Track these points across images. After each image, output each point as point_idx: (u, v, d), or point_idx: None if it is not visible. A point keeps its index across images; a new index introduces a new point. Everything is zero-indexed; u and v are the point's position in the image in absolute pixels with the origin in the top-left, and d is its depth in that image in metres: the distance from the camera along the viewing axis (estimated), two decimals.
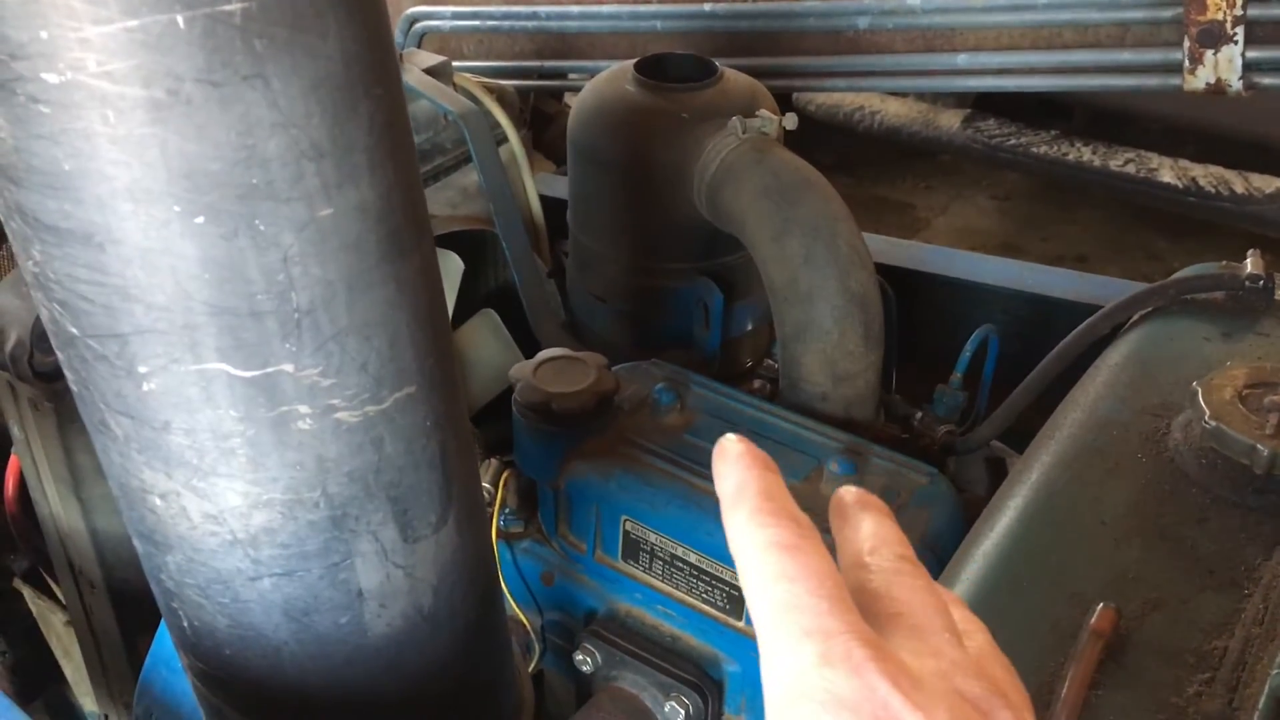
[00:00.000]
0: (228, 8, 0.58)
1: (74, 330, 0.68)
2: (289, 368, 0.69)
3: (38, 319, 1.43)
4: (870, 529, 0.51)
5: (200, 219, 0.63)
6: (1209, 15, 1.73)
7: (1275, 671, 0.82)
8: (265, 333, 0.67)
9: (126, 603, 1.63)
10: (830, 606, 0.44)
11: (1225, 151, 3.10)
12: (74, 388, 0.74)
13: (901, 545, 0.50)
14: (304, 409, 0.71)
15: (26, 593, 1.89)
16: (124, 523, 0.83)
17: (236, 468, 0.72)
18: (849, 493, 0.53)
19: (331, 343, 0.70)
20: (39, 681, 1.95)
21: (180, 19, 0.58)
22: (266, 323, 0.67)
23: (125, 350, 0.67)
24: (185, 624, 0.83)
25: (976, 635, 0.51)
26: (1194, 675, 0.85)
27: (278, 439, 0.71)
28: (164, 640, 1.35)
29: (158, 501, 0.75)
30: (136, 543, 0.82)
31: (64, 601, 1.75)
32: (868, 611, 0.47)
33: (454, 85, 1.92)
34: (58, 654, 1.91)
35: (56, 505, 1.57)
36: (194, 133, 0.60)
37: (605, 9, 2.21)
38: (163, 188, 0.62)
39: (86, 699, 1.85)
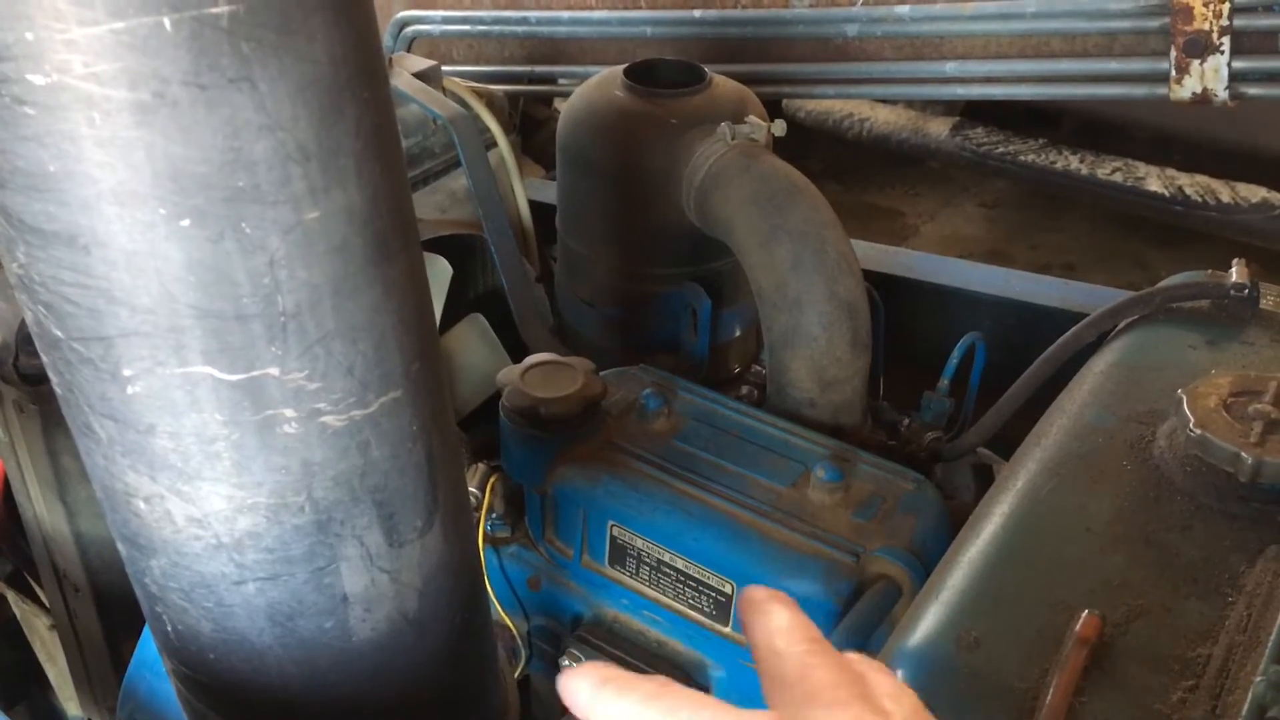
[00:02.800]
0: (215, 10, 0.58)
1: (58, 333, 0.68)
2: (275, 371, 0.69)
3: (23, 321, 1.42)
4: (782, 619, 0.54)
5: (186, 222, 0.63)
6: (1195, 25, 1.74)
7: (1259, 679, 0.82)
8: (251, 336, 0.67)
9: (111, 607, 1.62)
10: (720, 712, 0.49)
11: (1212, 161, 3.12)
12: (58, 390, 0.73)
13: (811, 630, 0.54)
14: (289, 413, 0.71)
15: (10, 596, 1.88)
16: (108, 526, 0.82)
17: (221, 471, 0.72)
18: (758, 591, 0.56)
19: (317, 346, 0.70)
20: (23, 686, 1.94)
21: (167, 21, 0.57)
22: (252, 326, 0.67)
23: (110, 353, 0.67)
24: (169, 628, 0.83)
25: (905, 700, 0.53)
26: (1178, 682, 0.86)
27: (263, 443, 0.71)
28: (148, 644, 1.35)
29: (142, 505, 0.74)
30: (120, 546, 0.82)
31: (48, 605, 1.75)
32: (783, 700, 0.50)
33: (443, 90, 1.92)
34: (41, 658, 1.90)
35: (41, 508, 1.57)
36: (180, 135, 0.60)
37: (595, 15, 2.22)
38: (148, 190, 0.61)
39: (70, 703, 1.84)
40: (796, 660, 0.52)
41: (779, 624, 0.54)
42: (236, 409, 0.69)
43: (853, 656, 0.55)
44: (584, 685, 0.53)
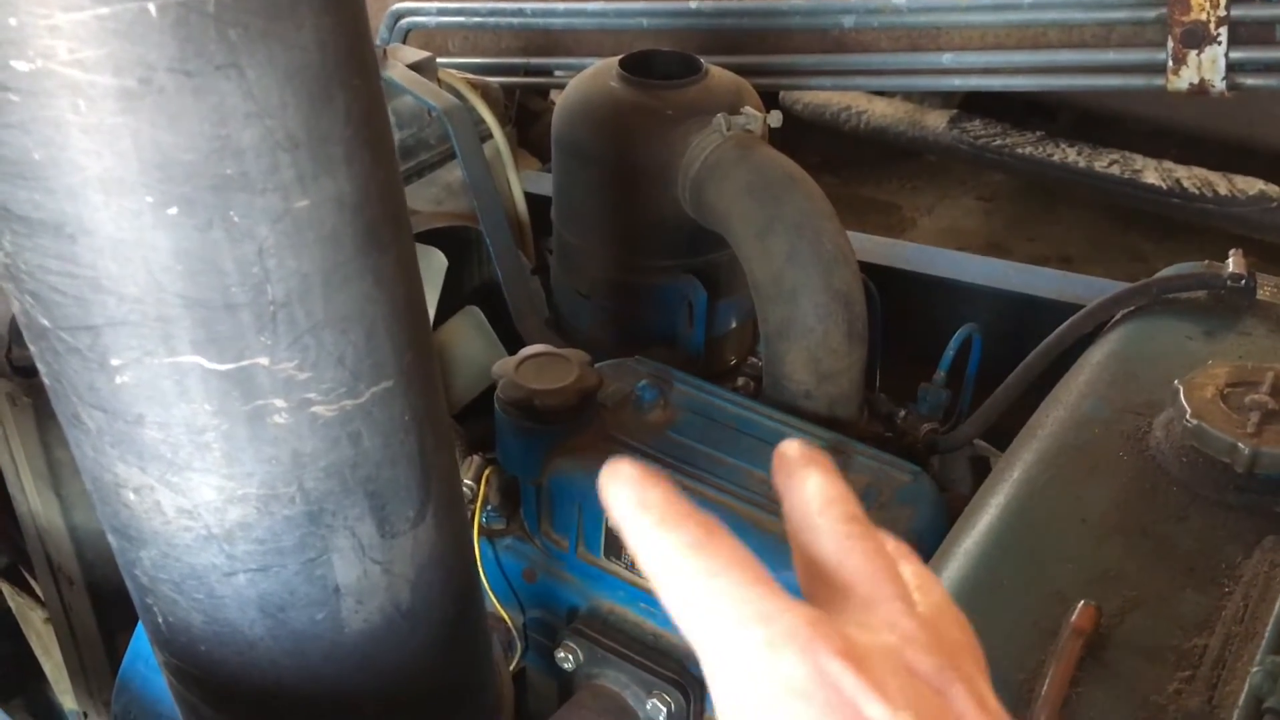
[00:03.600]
0: None
1: (46, 322, 0.67)
2: (264, 361, 0.68)
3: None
4: (817, 487, 0.48)
5: (173, 210, 0.62)
6: (1193, 16, 1.74)
7: (1255, 669, 0.82)
8: (240, 325, 0.67)
9: (105, 599, 1.62)
10: (764, 591, 0.43)
11: (1209, 153, 3.12)
12: (47, 381, 0.73)
13: (848, 503, 0.48)
14: (280, 403, 0.70)
15: (5, 590, 1.87)
16: (98, 518, 0.82)
17: (211, 462, 0.71)
18: (792, 447, 0.50)
19: (308, 336, 0.69)
20: (18, 679, 1.94)
21: (152, 7, 0.57)
22: (241, 315, 0.67)
23: (98, 343, 0.66)
24: (160, 620, 0.82)
25: (932, 591, 0.49)
26: (1174, 673, 0.85)
27: (253, 433, 0.71)
28: (143, 637, 1.34)
29: (131, 496, 0.74)
30: (110, 538, 0.81)
31: (43, 598, 1.74)
32: (817, 581, 0.46)
33: (439, 81, 1.91)
34: (37, 651, 1.90)
35: (35, 501, 1.56)
36: (167, 122, 0.60)
37: (591, 6, 2.21)
38: (135, 178, 0.61)
39: (66, 696, 1.83)
40: (836, 542, 0.47)
41: (815, 493, 0.48)
42: (226, 399, 0.69)
43: (887, 540, 0.49)
44: (624, 498, 0.46)
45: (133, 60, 0.58)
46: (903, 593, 0.46)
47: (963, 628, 0.48)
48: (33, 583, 1.79)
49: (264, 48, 0.61)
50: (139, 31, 0.57)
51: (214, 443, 0.71)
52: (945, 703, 0.43)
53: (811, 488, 0.48)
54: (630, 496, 0.46)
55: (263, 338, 0.68)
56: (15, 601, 1.87)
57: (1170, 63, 1.79)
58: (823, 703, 0.40)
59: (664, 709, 1.22)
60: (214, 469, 0.72)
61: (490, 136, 1.95)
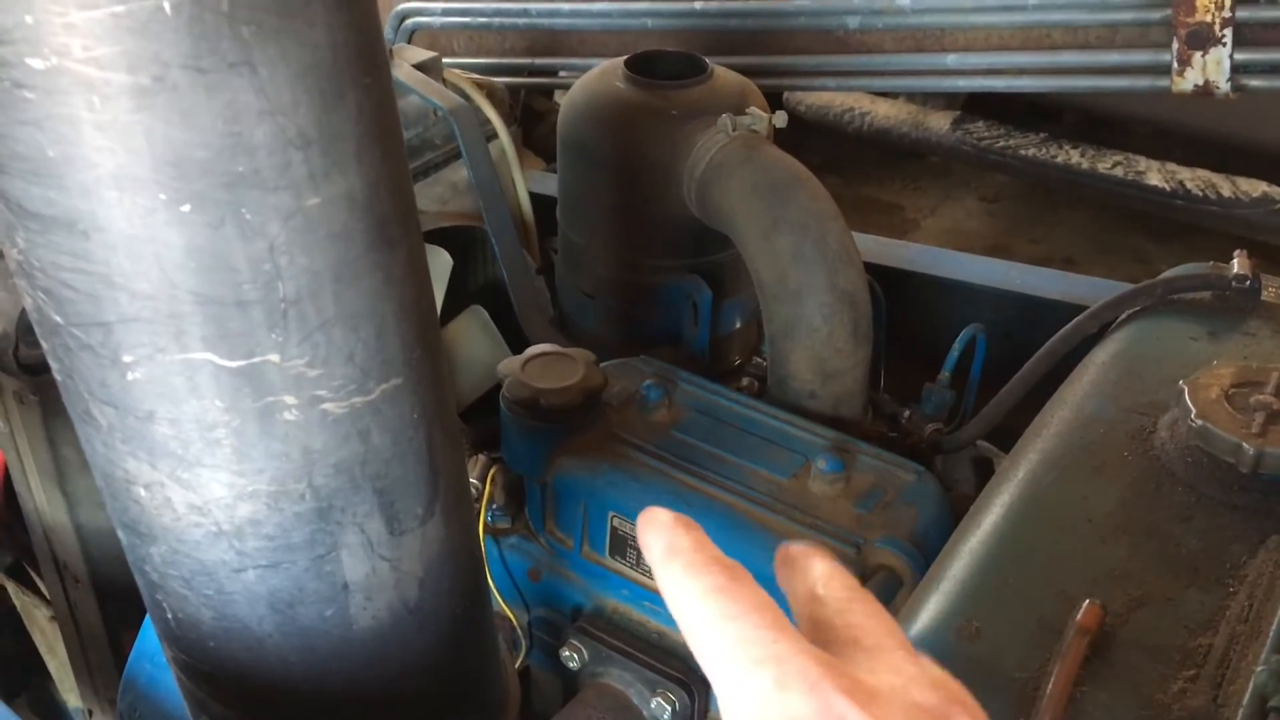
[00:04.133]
0: None
1: (58, 319, 0.68)
2: (275, 358, 0.69)
3: (23, 311, 1.42)
4: (821, 569, 0.52)
5: (186, 207, 0.63)
6: (1198, 17, 1.74)
7: (1259, 669, 0.82)
8: (251, 322, 0.67)
9: (111, 597, 1.62)
10: (777, 635, 0.46)
11: (1212, 155, 3.12)
12: (59, 377, 0.73)
13: (850, 579, 0.52)
14: (290, 400, 0.71)
15: (10, 587, 1.88)
16: (108, 515, 0.82)
17: (222, 458, 0.72)
18: (794, 546, 0.55)
19: (318, 333, 0.70)
20: (23, 677, 1.94)
21: (167, 5, 0.57)
22: (252, 312, 0.67)
23: (110, 339, 0.67)
24: (169, 616, 0.83)
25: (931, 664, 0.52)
26: (1179, 672, 0.86)
27: (263, 430, 0.71)
28: (149, 635, 1.35)
29: (142, 492, 0.74)
30: (120, 534, 0.81)
31: (48, 596, 1.74)
32: (823, 641, 0.48)
33: (444, 81, 1.91)
34: (41, 649, 1.90)
35: (41, 499, 1.57)
36: (180, 120, 0.60)
37: (596, 6, 2.21)
38: (148, 175, 0.61)
39: (70, 694, 1.84)
40: (838, 604, 0.50)
41: (819, 573, 0.52)
42: (237, 396, 0.69)
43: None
44: (656, 545, 0.50)
45: (147, 58, 0.58)
46: (904, 643, 0.49)
47: (963, 688, 0.50)
48: (38, 581, 1.79)
49: (277, 45, 0.61)
50: (153, 29, 0.57)
51: (224, 439, 0.71)
52: None
53: (816, 570, 0.52)
54: (661, 542, 0.50)
55: (274, 335, 0.68)
56: (20, 599, 1.88)
57: (1175, 64, 1.79)
58: None
59: (669, 707, 1.22)
60: (224, 465, 0.72)
61: (495, 136, 1.95)
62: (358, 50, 0.66)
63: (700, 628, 0.47)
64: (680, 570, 0.49)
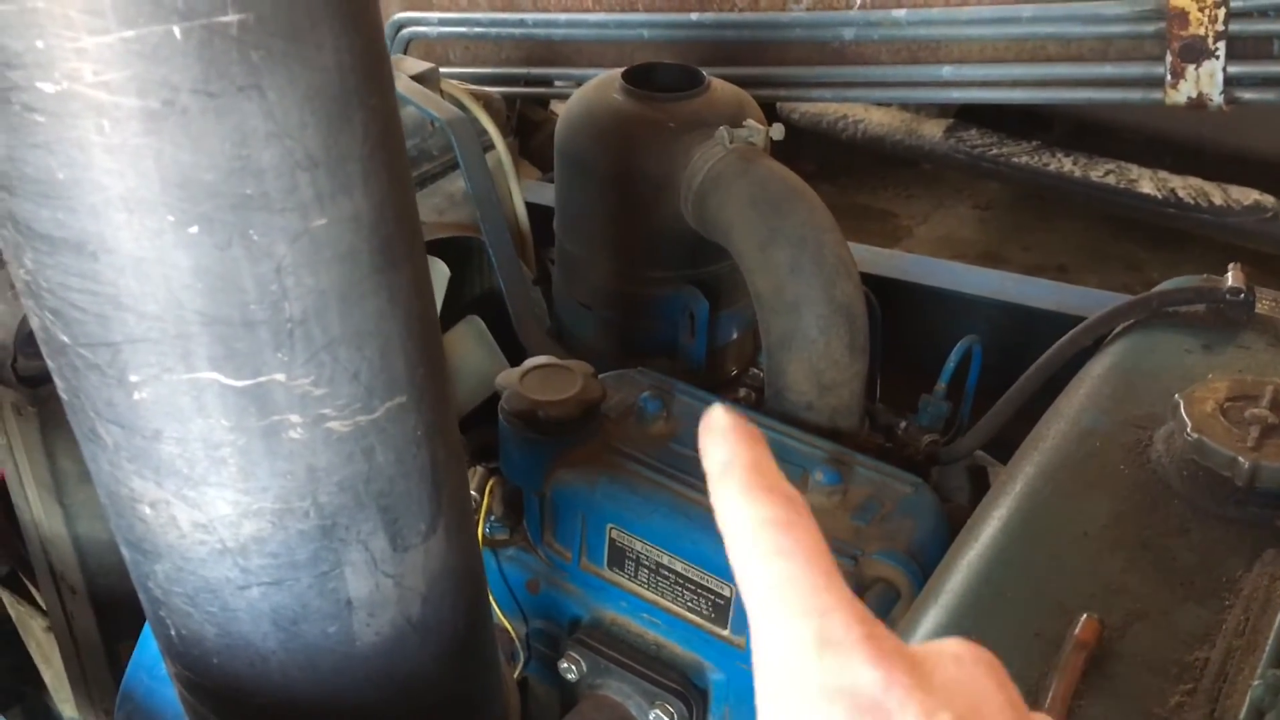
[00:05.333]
0: (224, 19, 0.58)
1: (65, 339, 0.68)
2: (281, 377, 0.69)
3: (22, 322, 1.42)
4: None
5: (194, 229, 0.63)
6: (1191, 30, 1.75)
7: (1256, 683, 0.82)
8: (258, 342, 0.68)
9: (108, 609, 1.62)
10: (826, 583, 0.43)
11: (1204, 163, 3.13)
12: (64, 396, 0.73)
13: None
14: (295, 418, 0.71)
15: (6, 598, 1.87)
16: (109, 530, 0.82)
17: (227, 477, 0.72)
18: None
19: (323, 352, 0.70)
20: (18, 688, 1.94)
21: (177, 30, 0.58)
22: (259, 332, 0.67)
23: (117, 359, 0.67)
24: (173, 632, 0.83)
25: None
26: (1176, 686, 0.86)
27: (269, 448, 0.71)
28: (146, 647, 1.35)
29: (147, 510, 0.75)
30: (124, 551, 0.82)
31: (44, 607, 1.74)
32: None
33: (441, 92, 1.92)
34: (37, 660, 1.89)
35: (38, 510, 1.56)
36: (189, 143, 0.61)
37: (592, 17, 2.22)
38: (157, 197, 0.62)
39: (66, 706, 1.83)
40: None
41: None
42: (243, 415, 0.70)
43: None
44: (714, 454, 0.46)
45: (157, 82, 0.59)
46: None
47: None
48: (34, 591, 1.79)
49: (285, 69, 0.62)
50: (163, 54, 0.58)
51: (230, 458, 0.71)
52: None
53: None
54: (720, 454, 0.46)
55: (280, 354, 0.68)
56: (16, 610, 1.87)
57: (1169, 76, 1.80)
58: (862, 705, 0.40)
59: (666, 719, 1.23)
60: (230, 484, 0.72)
61: (492, 147, 1.95)
62: (364, 72, 0.66)
63: (747, 560, 0.44)
64: (736, 492, 0.45)
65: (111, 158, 0.60)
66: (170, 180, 0.61)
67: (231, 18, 0.59)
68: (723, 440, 0.47)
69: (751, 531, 0.44)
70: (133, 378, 0.68)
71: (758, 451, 0.46)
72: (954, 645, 0.44)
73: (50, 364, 0.72)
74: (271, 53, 0.61)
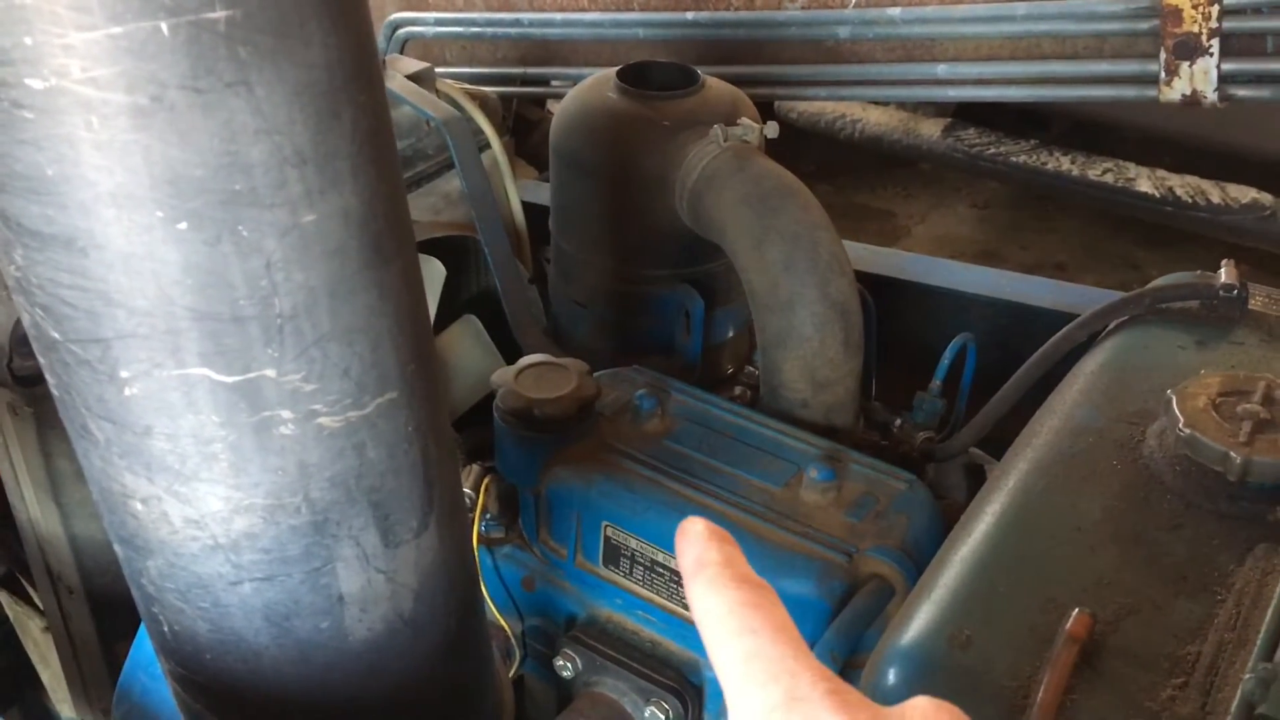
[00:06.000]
0: (212, 15, 0.59)
1: (56, 335, 0.68)
2: (271, 373, 0.69)
3: (17, 323, 1.42)
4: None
5: (183, 225, 0.63)
6: (1185, 28, 1.75)
7: (1247, 676, 0.83)
8: (248, 338, 0.68)
9: (105, 608, 1.62)
10: (793, 652, 0.47)
11: (1202, 162, 3.13)
12: (55, 392, 0.73)
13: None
14: (286, 414, 0.71)
15: (3, 598, 1.88)
16: (104, 528, 0.82)
17: (218, 473, 0.72)
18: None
19: (314, 348, 0.70)
20: (16, 688, 1.94)
21: (165, 26, 0.58)
22: (249, 328, 0.67)
23: (107, 355, 0.67)
24: (165, 629, 0.83)
25: None
26: (1168, 680, 0.86)
27: (260, 444, 0.72)
28: (142, 646, 1.35)
29: (139, 506, 0.75)
30: (117, 548, 0.82)
31: (42, 607, 1.75)
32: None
33: (436, 91, 1.92)
34: (35, 660, 1.90)
35: (35, 510, 1.57)
36: (177, 139, 0.61)
37: (588, 16, 2.22)
38: (146, 193, 0.62)
39: (64, 705, 1.84)
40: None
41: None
42: (233, 410, 0.70)
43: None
44: (688, 555, 0.51)
45: (145, 78, 0.59)
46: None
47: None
48: (31, 592, 1.79)
49: (273, 65, 0.62)
50: (151, 50, 0.58)
51: (221, 453, 0.71)
52: None
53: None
54: (692, 554, 0.51)
55: (270, 350, 0.69)
56: (13, 610, 1.88)
57: (1163, 74, 1.80)
58: None
59: (662, 716, 1.23)
60: (221, 479, 0.73)
61: (488, 146, 1.96)
62: (353, 68, 0.66)
63: (719, 641, 0.48)
64: (706, 583, 0.50)
65: (100, 154, 0.60)
66: (159, 176, 0.61)
67: (219, 14, 0.59)
68: (696, 539, 0.52)
69: (724, 614, 0.49)
70: (123, 373, 0.68)
71: (728, 550, 0.52)
72: (922, 702, 0.47)
73: (41, 360, 0.72)
74: (259, 49, 0.61)
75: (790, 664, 0.46)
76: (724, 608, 0.49)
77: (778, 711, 0.45)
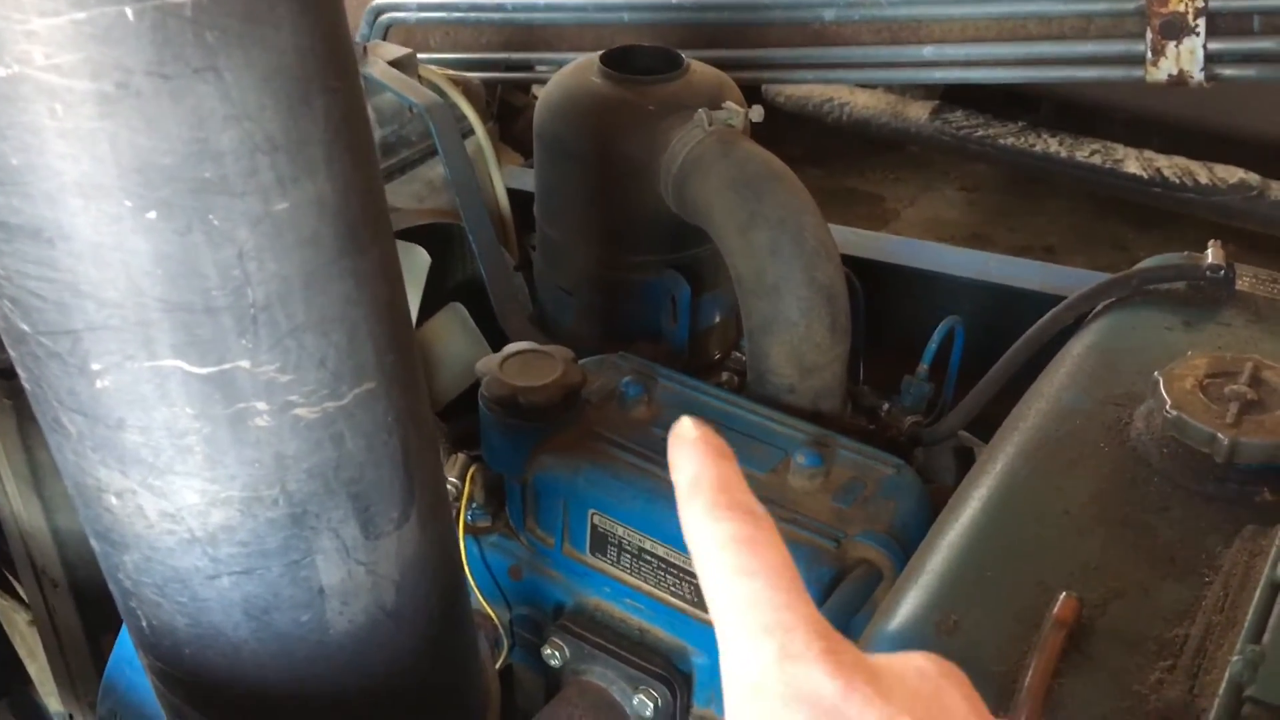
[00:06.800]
0: (178, 0, 0.57)
1: (25, 327, 0.67)
2: (246, 364, 0.68)
3: None
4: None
5: (152, 214, 0.62)
6: (1171, 7, 1.75)
7: (1235, 658, 0.82)
8: (221, 329, 0.67)
9: (90, 601, 1.61)
10: (789, 600, 0.44)
11: (1190, 142, 3.13)
12: (27, 385, 0.72)
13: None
14: (261, 405, 0.70)
15: None
16: (80, 522, 0.81)
17: (193, 465, 0.71)
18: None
19: (289, 339, 0.69)
20: (3, 681, 1.93)
21: (129, 11, 0.57)
22: (222, 319, 0.66)
23: (77, 347, 0.66)
24: (144, 623, 0.82)
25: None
26: (1156, 663, 0.86)
27: (235, 436, 0.71)
28: (127, 639, 1.34)
29: (113, 500, 0.74)
30: (93, 542, 0.81)
31: (26, 601, 1.74)
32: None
33: (419, 78, 1.90)
34: (21, 654, 1.89)
35: (17, 503, 1.56)
36: (144, 126, 0.60)
37: (572, 1, 2.21)
38: (113, 182, 0.61)
39: (51, 698, 1.83)
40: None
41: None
42: (207, 402, 0.69)
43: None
44: (683, 472, 0.47)
45: (110, 64, 0.58)
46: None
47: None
48: (16, 585, 1.78)
49: (241, 50, 0.61)
50: (116, 36, 0.57)
51: (196, 446, 0.70)
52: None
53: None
54: (687, 471, 0.47)
55: (244, 341, 0.68)
56: None
57: (1149, 54, 1.80)
58: (824, 711, 0.42)
59: (650, 704, 1.23)
60: (196, 472, 0.72)
61: (472, 132, 1.94)
62: (325, 54, 0.65)
63: (713, 578, 0.46)
64: (702, 510, 0.46)
65: (65, 142, 0.59)
66: (126, 165, 0.60)
67: None
68: (691, 454, 0.48)
69: (717, 549, 0.46)
70: (94, 366, 0.67)
71: (724, 467, 0.48)
72: (917, 658, 0.45)
73: (12, 353, 0.71)
74: (227, 34, 0.60)
75: (786, 616, 0.44)
76: (719, 540, 0.46)
77: (771, 668, 0.43)
